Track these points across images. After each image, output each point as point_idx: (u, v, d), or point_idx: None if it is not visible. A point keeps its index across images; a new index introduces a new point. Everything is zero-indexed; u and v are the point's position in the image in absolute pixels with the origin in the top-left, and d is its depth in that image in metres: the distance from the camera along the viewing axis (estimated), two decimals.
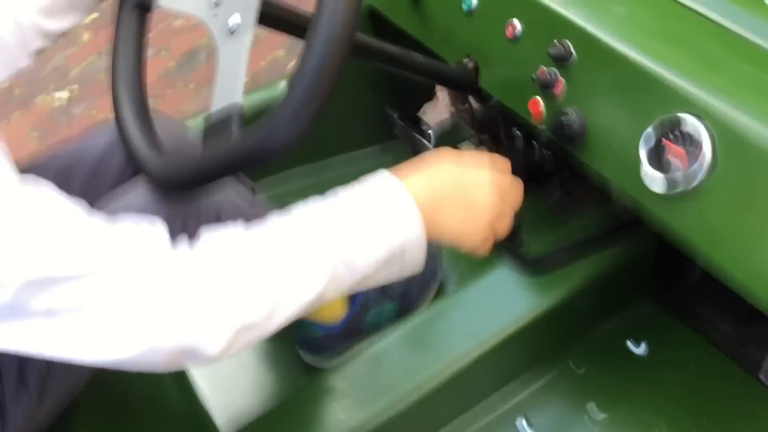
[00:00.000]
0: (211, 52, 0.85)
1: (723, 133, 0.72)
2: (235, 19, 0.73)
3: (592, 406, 1.01)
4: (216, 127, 0.71)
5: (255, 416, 0.94)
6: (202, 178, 0.72)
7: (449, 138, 1.33)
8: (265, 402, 1.05)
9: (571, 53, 0.86)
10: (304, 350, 1.06)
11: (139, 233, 0.60)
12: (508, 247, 1.01)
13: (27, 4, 0.86)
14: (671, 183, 0.76)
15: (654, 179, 0.77)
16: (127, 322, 0.56)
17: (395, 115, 1.33)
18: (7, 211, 0.53)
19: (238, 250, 0.63)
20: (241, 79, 0.72)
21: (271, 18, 0.83)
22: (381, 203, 0.68)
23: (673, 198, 0.76)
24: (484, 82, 1.00)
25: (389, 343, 0.97)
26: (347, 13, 0.63)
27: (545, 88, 0.89)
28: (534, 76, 0.90)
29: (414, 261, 0.70)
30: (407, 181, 0.70)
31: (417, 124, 1.33)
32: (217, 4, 0.77)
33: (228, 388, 1.05)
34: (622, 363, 1.04)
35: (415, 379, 0.93)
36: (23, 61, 0.86)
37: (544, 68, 0.89)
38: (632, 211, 0.85)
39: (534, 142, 1.09)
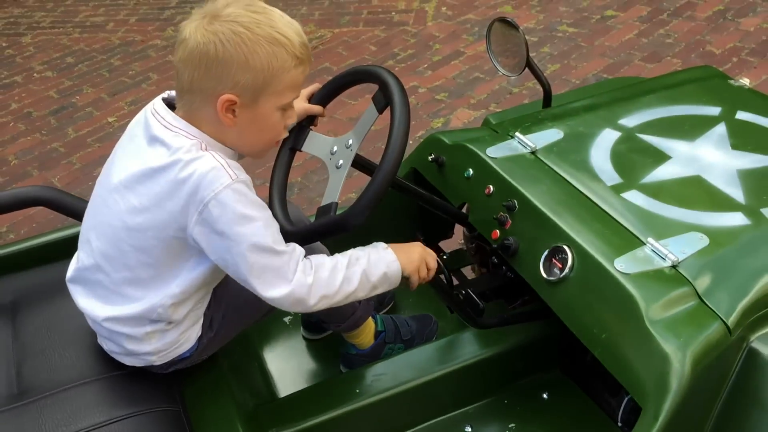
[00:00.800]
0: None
1: (579, 254, 1.41)
2: (341, 162, 1.48)
3: (511, 425, 1.63)
4: (323, 210, 1.43)
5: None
6: (310, 237, 1.44)
7: (457, 261, 2.02)
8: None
9: (515, 206, 1.58)
10: (342, 362, 1.73)
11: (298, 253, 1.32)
12: (475, 316, 1.69)
13: None
14: (553, 276, 1.44)
15: (545, 275, 1.46)
16: (280, 284, 1.28)
17: (422, 239, 2.04)
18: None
19: (329, 267, 1.34)
20: (339, 190, 1.45)
21: (357, 164, 1.58)
22: (380, 257, 1.40)
23: (553, 283, 1.44)
24: (471, 219, 1.72)
25: (389, 361, 1.63)
26: (394, 163, 1.37)
27: (501, 224, 1.60)
28: (495, 216, 1.61)
29: (394, 279, 1.40)
30: (396, 253, 1.42)
31: (438, 250, 2.03)
32: (333, 153, 1.52)
33: (290, 378, 1.71)
34: (534, 403, 1.67)
35: (397, 383, 1.58)
36: None
37: (501, 213, 1.60)
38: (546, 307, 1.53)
39: (503, 267, 1.80)
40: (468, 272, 2.15)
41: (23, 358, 1.44)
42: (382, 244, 1.44)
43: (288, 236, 1.42)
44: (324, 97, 1.65)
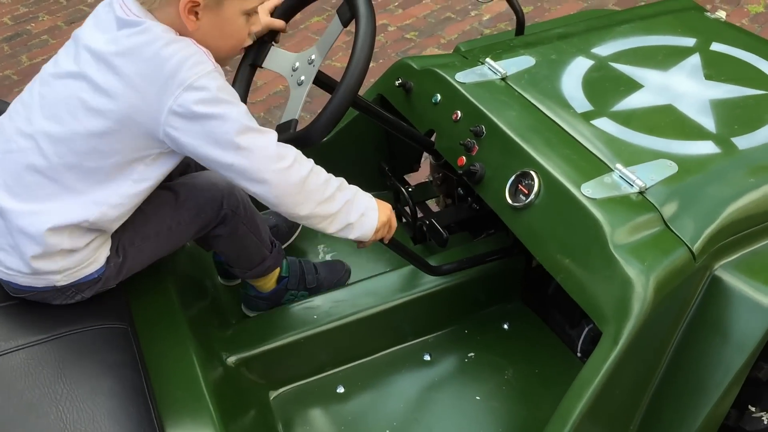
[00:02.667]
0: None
1: (546, 179, 1.37)
2: (302, 78, 1.41)
3: (471, 354, 1.61)
4: (282, 128, 1.36)
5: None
6: None
7: (423, 194, 1.98)
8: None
9: (483, 132, 1.53)
10: (243, 302, 1.66)
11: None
12: (439, 245, 1.65)
13: None
14: (519, 202, 1.40)
15: (511, 201, 1.42)
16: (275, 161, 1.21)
17: (387, 169, 1.98)
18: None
19: (325, 176, 1.29)
20: (300, 107, 1.38)
21: (319, 81, 1.51)
22: (370, 204, 1.36)
23: (519, 209, 1.40)
24: (438, 145, 1.66)
25: (348, 288, 1.59)
26: (359, 75, 1.30)
27: (467, 150, 1.55)
28: (462, 142, 1.56)
29: (367, 226, 1.35)
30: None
31: (403, 182, 1.98)
32: (294, 70, 1.45)
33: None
34: (494, 333, 1.65)
35: (356, 310, 1.54)
36: None
37: (468, 139, 1.55)
38: (511, 240, 1.49)
39: (469, 198, 1.75)
40: (433, 206, 2.12)
41: None
42: (361, 192, 1.39)
43: None
44: (287, 10, 1.56)
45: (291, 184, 1.24)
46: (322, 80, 1.52)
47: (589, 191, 1.33)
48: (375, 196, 2.06)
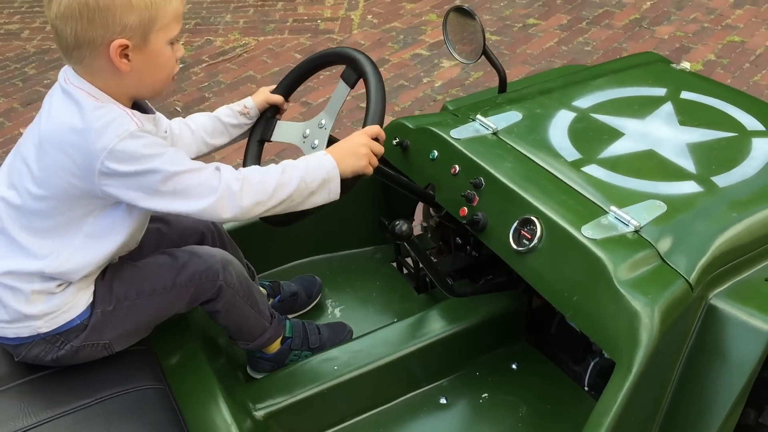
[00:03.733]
0: None
1: (547, 224, 1.48)
2: (316, 142, 1.51)
3: (484, 395, 1.68)
4: None
5: None
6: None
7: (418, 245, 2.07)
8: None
9: (482, 183, 1.64)
10: (249, 363, 1.71)
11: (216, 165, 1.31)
12: (446, 290, 1.73)
13: (199, 125, 1.63)
14: (523, 247, 1.50)
15: (516, 246, 1.52)
16: (207, 194, 1.28)
17: (386, 223, 2.07)
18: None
19: (259, 175, 1.33)
20: None
21: (333, 142, 1.60)
22: (320, 164, 1.39)
23: (523, 253, 1.50)
24: (439, 198, 1.76)
25: (363, 339, 1.66)
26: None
27: (468, 201, 1.66)
28: (463, 194, 1.66)
29: (333, 186, 1.39)
30: (331, 153, 1.41)
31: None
32: (305, 136, 1.55)
33: None
34: (504, 374, 1.72)
35: (373, 359, 1.60)
36: (195, 154, 1.62)
37: (468, 191, 1.66)
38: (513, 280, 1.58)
39: (468, 247, 1.85)
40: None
41: None
42: (321, 151, 1.44)
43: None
44: (286, 87, 1.67)
45: (232, 201, 1.31)
46: (336, 140, 1.62)
47: (589, 233, 1.44)
48: (375, 250, 2.15)
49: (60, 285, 1.35)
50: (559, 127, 1.77)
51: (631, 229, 1.44)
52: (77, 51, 1.26)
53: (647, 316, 1.31)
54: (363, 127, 1.46)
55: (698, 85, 1.91)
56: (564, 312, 1.43)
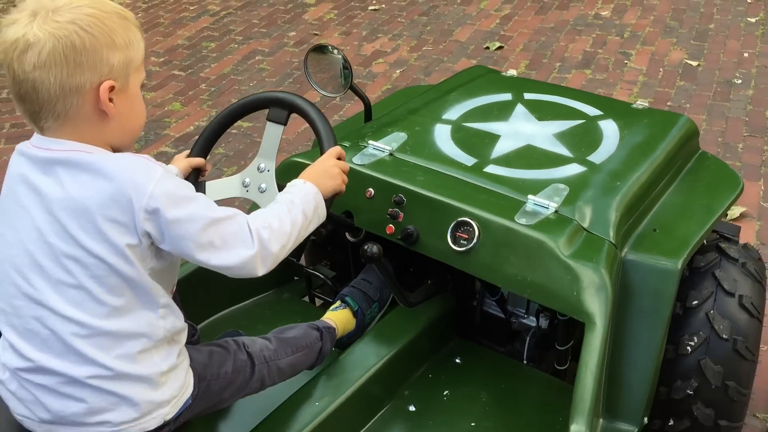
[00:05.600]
0: None
1: (481, 222, 1.65)
2: (263, 186, 1.52)
3: (446, 392, 1.79)
4: None
5: None
6: None
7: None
8: None
9: (404, 200, 1.76)
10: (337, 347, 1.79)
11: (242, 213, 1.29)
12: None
13: None
14: (464, 246, 1.65)
15: (457, 248, 1.67)
16: (244, 246, 1.25)
17: (296, 261, 2.09)
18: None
19: (276, 220, 1.32)
20: None
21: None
22: (306, 193, 1.42)
23: (466, 252, 1.65)
24: (359, 222, 1.85)
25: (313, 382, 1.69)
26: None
27: (393, 219, 1.77)
28: (388, 213, 1.77)
29: (321, 211, 1.44)
30: (309, 180, 1.45)
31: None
32: (246, 185, 1.54)
33: None
34: (453, 369, 1.86)
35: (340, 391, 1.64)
36: None
37: (391, 209, 1.77)
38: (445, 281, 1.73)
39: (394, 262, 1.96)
40: None
41: None
42: (299, 181, 1.45)
43: None
44: (201, 148, 1.66)
45: (266, 253, 1.29)
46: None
47: (522, 221, 1.64)
48: (280, 291, 2.17)
49: (176, 355, 1.29)
50: (443, 138, 1.96)
51: (552, 210, 1.67)
52: (61, 102, 1.15)
53: (599, 278, 1.53)
54: (321, 152, 1.50)
55: (533, 87, 2.23)
56: (521, 293, 1.61)
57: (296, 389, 1.64)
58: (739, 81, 4.19)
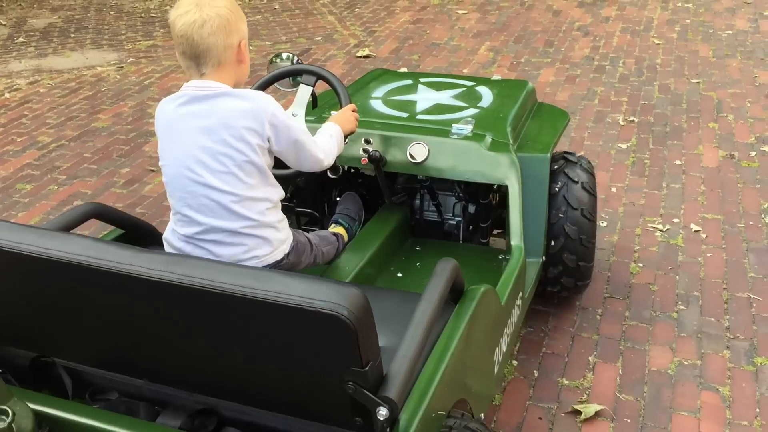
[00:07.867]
0: None
1: (429, 142, 2.56)
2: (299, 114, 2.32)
3: (417, 263, 2.63)
4: None
5: None
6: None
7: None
8: None
9: (371, 140, 2.62)
10: None
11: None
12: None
13: None
14: (421, 158, 2.55)
15: (417, 159, 2.55)
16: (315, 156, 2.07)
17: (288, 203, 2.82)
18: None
19: (328, 145, 2.15)
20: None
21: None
22: (337, 130, 2.25)
23: (422, 161, 2.55)
24: (341, 162, 2.66)
25: None
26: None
27: (366, 153, 2.61)
28: (363, 149, 2.62)
29: (342, 141, 2.26)
30: (336, 123, 2.29)
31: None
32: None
33: None
34: (413, 252, 2.71)
35: None
36: None
37: (364, 147, 2.62)
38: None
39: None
40: None
41: None
42: (330, 123, 2.23)
43: None
44: (264, 84, 2.47)
45: (330, 156, 2.14)
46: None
47: (455, 136, 2.57)
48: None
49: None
50: (379, 106, 2.86)
51: (470, 129, 2.62)
52: (223, 55, 1.86)
53: (510, 158, 2.50)
54: (340, 107, 2.33)
55: (423, 75, 3.22)
56: (463, 179, 2.53)
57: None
58: (605, 224, 3.50)
